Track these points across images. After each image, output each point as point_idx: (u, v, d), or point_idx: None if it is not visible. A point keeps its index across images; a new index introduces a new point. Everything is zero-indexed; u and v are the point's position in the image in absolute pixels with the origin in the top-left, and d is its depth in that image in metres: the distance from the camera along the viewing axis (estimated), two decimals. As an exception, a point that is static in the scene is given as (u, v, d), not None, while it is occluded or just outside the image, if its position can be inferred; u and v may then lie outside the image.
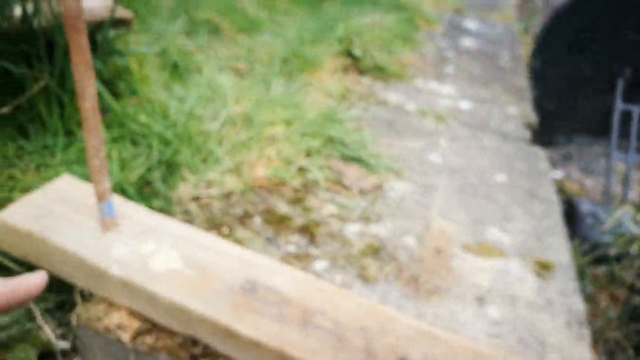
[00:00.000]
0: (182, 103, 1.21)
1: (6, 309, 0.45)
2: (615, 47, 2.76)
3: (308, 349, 0.64)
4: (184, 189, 1.02)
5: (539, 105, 2.94)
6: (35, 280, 0.48)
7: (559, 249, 1.09)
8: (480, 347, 0.68)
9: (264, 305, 0.70)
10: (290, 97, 1.35)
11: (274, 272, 0.75)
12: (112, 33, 1.36)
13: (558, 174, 3.27)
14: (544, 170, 1.45)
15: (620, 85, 2.72)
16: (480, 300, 0.89)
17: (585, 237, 1.93)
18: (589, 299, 1.76)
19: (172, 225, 0.82)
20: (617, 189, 2.86)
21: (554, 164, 3.41)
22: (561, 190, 3.02)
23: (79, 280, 0.78)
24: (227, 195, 1.05)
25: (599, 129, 2.92)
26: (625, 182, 2.57)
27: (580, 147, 3.55)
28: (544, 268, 1.01)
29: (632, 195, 2.90)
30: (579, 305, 0.94)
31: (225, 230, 0.95)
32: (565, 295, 0.95)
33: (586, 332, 0.88)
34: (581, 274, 1.67)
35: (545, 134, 3.03)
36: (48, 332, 0.77)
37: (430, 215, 1.13)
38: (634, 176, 3.01)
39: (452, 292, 0.90)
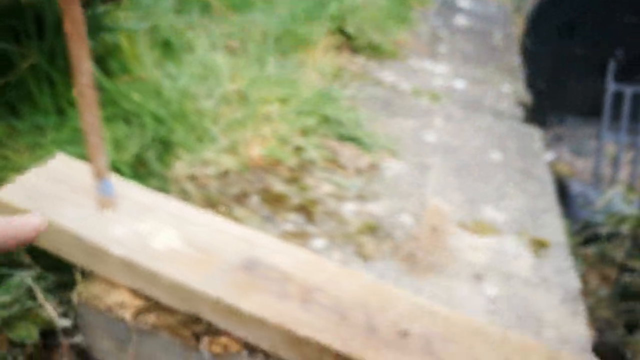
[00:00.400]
0: (176, 81, 1.20)
1: (2, 252, 0.43)
2: (607, 28, 2.77)
3: (310, 325, 0.66)
4: (179, 168, 1.02)
5: (531, 84, 2.95)
6: (31, 222, 0.44)
7: (554, 228, 1.11)
8: (479, 322, 0.70)
9: (265, 283, 0.71)
10: (285, 76, 1.35)
11: (274, 251, 0.76)
12: (101, 9, 1.34)
13: (549, 155, 3.31)
14: (537, 150, 1.47)
15: (612, 66, 2.74)
16: (477, 277, 0.91)
17: (576, 217, 1.96)
18: (580, 277, 1.80)
19: (170, 205, 0.83)
20: (607, 169, 2.90)
21: (545, 146, 3.44)
22: (552, 171, 3.05)
23: (79, 259, 0.79)
24: (224, 174, 1.05)
25: (590, 110, 2.94)
26: (616, 162, 2.61)
27: (571, 128, 3.58)
28: (539, 246, 1.03)
29: (622, 175, 2.94)
30: (574, 282, 0.96)
31: (222, 209, 0.95)
32: (560, 272, 0.97)
33: (581, 309, 0.90)
34: (572, 254, 1.70)
35: (537, 114, 3.05)
36: (49, 310, 0.78)
37: (426, 194, 1.14)
38: (625, 157, 3.05)
39: (448, 270, 0.92)
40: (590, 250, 1.73)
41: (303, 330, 0.65)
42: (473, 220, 1.08)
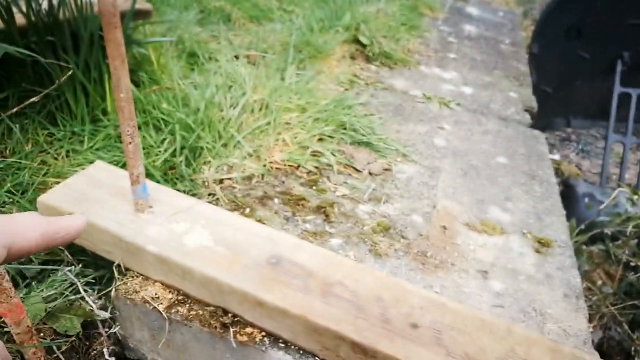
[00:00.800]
0: (202, 90, 1.25)
1: (45, 249, 0.46)
2: (614, 31, 2.76)
3: (330, 316, 0.70)
4: (208, 173, 1.07)
5: (538, 88, 2.96)
6: (75, 223, 0.48)
7: (558, 228, 1.14)
8: (486, 315, 0.74)
9: (289, 278, 0.75)
10: (304, 85, 1.39)
11: (297, 248, 0.81)
12: (131, 25, 1.40)
13: (556, 156, 3.31)
14: (543, 153, 1.49)
15: (619, 68, 2.74)
16: (484, 274, 0.95)
17: (582, 217, 1.98)
18: (585, 276, 1.82)
19: (201, 207, 0.87)
20: (613, 170, 2.90)
21: (552, 147, 3.45)
22: (559, 171, 3.06)
23: (117, 257, 0.84)
24: (248, 178, 1.10)
25: (596, 112, 2.94)
26: (622, 163, 2.61)
27: (577, 130, 3.58)
28: (543, 245, 1.06)
29: (628, 176, 2.94)
30: (576, 279, 0.99)
31: (247, 210, 1.00)
32: (563, 270, 1.00)
33: (583, 304, 0.93)
34: (577, 252, 1.72)
35: (543, 116, 3.06)
36: (90, 303, 0.83)
37: (436, 195, 1.18)
38: (631, 158, 3.04)
39: (457, 266, 0.96)
40: (596, 249, 1.75)
41: (322, 321, 0.69)
42: (480, 220, 1.11)
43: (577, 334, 0.85)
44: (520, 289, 0.93)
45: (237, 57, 1.75)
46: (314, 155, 1.20)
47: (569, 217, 1.69)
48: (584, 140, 3.54)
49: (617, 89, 2.70)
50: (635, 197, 1.55)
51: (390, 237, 1.01)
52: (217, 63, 1.60)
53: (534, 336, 0.71)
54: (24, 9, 1.16)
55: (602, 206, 1.64)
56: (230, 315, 0.76)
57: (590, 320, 1.73)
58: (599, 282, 1.89)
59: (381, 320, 0.70)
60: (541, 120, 3.13)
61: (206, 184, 1.05)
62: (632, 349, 1.76)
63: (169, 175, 1.14)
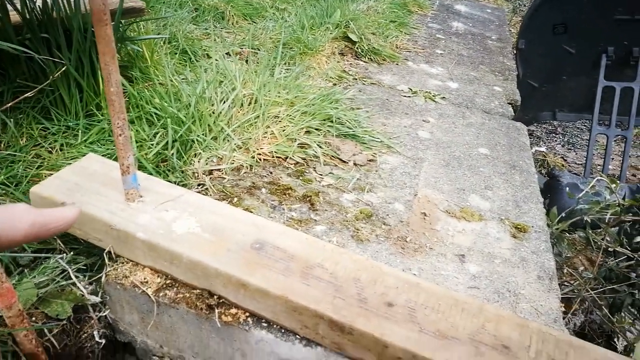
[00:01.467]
0: (193, 86, 1.26)
1: (35, 240, 0.47)
2: (600, 27, 2.78)
3: (309, 296, 0.72)
4: (197, 164, 1.09)
5: (525, 82, 2.98)
6: (66, 214, 0.48)
7: (535, 214, 1.16)
8: (459, 295, 0.76)
9: (271, 261, 0.77)
10: (292, 80, 1.41)
11: (280, 234, 0.83)
12: (124, 21, 1.41)
13: (542, 148, 3.33)
14: (524, 144, 1.51)
15: (604, 62, 2.76)
16: (461, 258, 0.97)
17: (565, 205, 2.00)
18: (567, 262, 1.84)
19: (190, 196, 0.89)
20: (599, 162, 2.92)
21: (538, 139, 3.47)
22: (545, 163, 3.09)
23: (108, 245, 0.86)
24: (237, 169, 1.12)
25: (582, 106, 2.96)
26: (606, 154, 2.64)
27: (564, 123, 3.60)
28: (520, 230, 1.08)
29: (612, 167, 2.96)
30: (550, 262, 1.01)
31: (235, 200, 1.02)
32: (538, 253, 1.03)
33: (555, 286, 0.96)
34: (559, 239, 1.75)
35: (530, 110, 3.08)
36: (81, 288, 0.85)
37: (418, 185, 1.20)
38: (615, 149, 3.06)
39: (435, 251, 0.98)
40: (577, 236, 1.77)
41: (302, 301, 0.71)
42: (460, 208, 1.13)
43: (548, 313, 0.87)
44: (496, 271, 0.95)
45: (229, 54, 1.76)
46: (301, 147, 1.22)
47: (553, 206, 1.72)
48: (570, 133, 3.56)
49: (602, 82, 2.72)
50: (614, 185, 1.57)
51: (372, 224, 1.03)
52: (209, 60, 1.61)
53: (504, 313, 0.74)
54: (18, 6, 1.17)
55: (580, 194, 1.66)
56: (215, 297, 0.78)
57: (572, 305, 1.75)
58: (581, 268, 1.91)
59: (358, 300, 0.72)
60: (528, 114, 3.15)
61: (196, 175, 1.06)
62: (613, 331, 1.79)
63: (161, 168, 1.16)
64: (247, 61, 1.67)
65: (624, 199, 1.62)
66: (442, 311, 0.72)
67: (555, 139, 3.49)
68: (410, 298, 0.74)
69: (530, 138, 3.50)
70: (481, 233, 1.06)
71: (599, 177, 1.80)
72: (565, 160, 3.20)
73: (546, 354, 0.68)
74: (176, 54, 1.66)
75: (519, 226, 1.09)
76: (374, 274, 0.77)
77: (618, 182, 1.58)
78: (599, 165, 2.89)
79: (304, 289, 0.73)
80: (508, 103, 1.82)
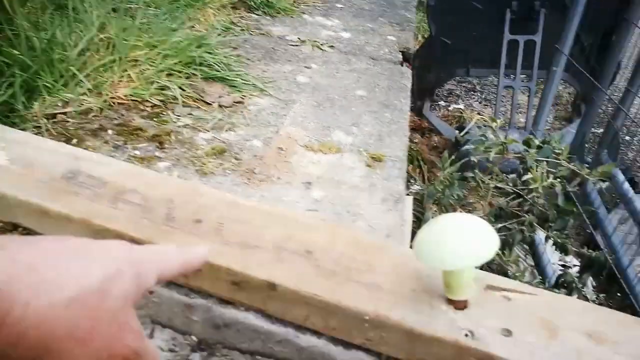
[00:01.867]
0: (44, 32, 1.20)
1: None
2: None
3: (114, 218, 0.70)
4: (38, 108, 1.03)
5: (438, 40, 3.01)
6: (199, 254, 0.48)
7: (397, 146, 1.17)
8: (274, 209, 0.75)
9: (80, 189, 0.74)
10: (160, 25, 1.36)
11: (100, 164, 0.79)
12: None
13: (460, 105, 3.41)
14: (405, 86, 1.53)
15: (508, 17, 2.82)
16: (307, 185, 0.97)
17: (466, 153, 2.05)
18: (461, 203, 1.89)
19: (9, 134, 0.84)
20: (519, 118, 3.01)
21: (457, 97, 3.54)
22: (461, 119, 3.16)
23: None
24: (85, 113, 1.07)
25: (492, 60, 3.02)
26: (512, 105, 2.71)
27: (482, 80, 3.68)
28: (375, 160, 1.09)
29: (522, 119, 3.05)
30: (399, 186, 1.02)
31: (75, 141, 0.98)
32: (389, 179, 1.04)
33: (400, 208, 0.97)
34: (452, 181, 1.79)
35: (446, 67, 3.12)
36: None
37: (283, 124, 1.18)
38: (523, 101, 3.16)
39: (282, 180, 0.97)
40: (468, 176, 1.82)
41: (104, 223, 0.69)
42: (320, 142, 1.13)
43: (383, 229, 0.88)
44: (340, 196, 0.96)
45: (115, 9, 1.68)
46: (160, 90, 1.18)
47: (456, 156, 1.75)
48: (487, 90, 3.65)
49: (507, 36, 2.79)
50: (494, 124, 1.61)
51: (222, 159, 1.01)
52: (86, 14, 1.53)
53: (317, 223, 0.73)
54: None
55: (462, 133, 1.70)
56: (20, 229, 0.75)
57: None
58: (477, 207, 1.98)
59: (166, 219, 0.70)
60: (444, 71, 3.19)
61: (35, 118, 1.01)
62: (507, 268, 1.86)
63: (10, 118, 1.09)
64: (132, 17, 1.59)
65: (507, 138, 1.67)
66: (249, 222, 0.72)
67: (474, 96, 3.57)
68: (222, 215, 0.72)
69: (449, 96, 3.56)
70: (336, 164, 1.06)
71: (494, 124, 1.84)
72: (482, 115, 3.28)
73: (349, 256, 0.68)
74: (50, 7, 1.57)
75: (374, 156, 1.10)
76: (188, 195, 0.75)
77: (498, 120, 1.62)
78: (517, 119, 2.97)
79: (110, 212, 0.71)
80: (400, 50, 1.83)
